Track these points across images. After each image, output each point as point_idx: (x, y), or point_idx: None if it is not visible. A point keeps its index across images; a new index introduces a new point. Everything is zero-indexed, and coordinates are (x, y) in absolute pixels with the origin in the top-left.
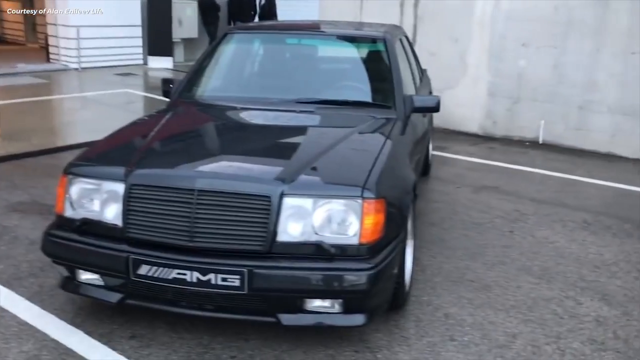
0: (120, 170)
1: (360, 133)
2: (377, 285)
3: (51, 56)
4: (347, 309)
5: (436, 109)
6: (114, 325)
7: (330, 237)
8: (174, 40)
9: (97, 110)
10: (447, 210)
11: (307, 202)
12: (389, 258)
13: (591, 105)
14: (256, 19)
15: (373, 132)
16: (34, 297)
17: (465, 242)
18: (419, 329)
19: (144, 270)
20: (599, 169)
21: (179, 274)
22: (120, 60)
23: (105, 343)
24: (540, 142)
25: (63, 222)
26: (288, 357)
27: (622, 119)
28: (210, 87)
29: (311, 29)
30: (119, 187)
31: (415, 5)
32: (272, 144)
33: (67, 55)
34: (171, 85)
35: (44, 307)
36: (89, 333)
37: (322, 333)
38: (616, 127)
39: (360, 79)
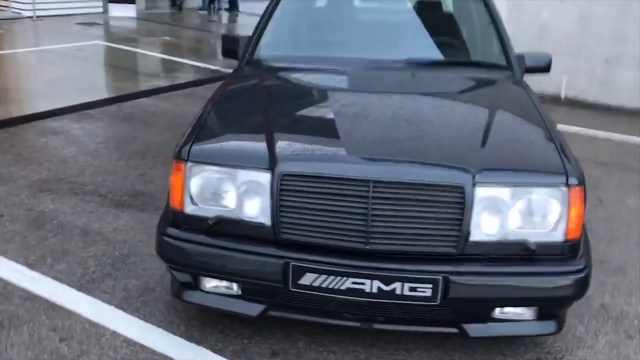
0: (261, 155)
1: (500, 100)
2: (586, 290)
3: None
4: (541, 316)
5: (547, 69)
6: (243, 340)
7: (530, 233)
8: None
9: (75, 67)
10: None
11: (503, 193)
12: (588, 255)
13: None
14: None
15: (513, 99)
16: (126, 306)
17: None
18: (586, 327)
19: (308, 279)
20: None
21: (354, 283)
22: (78, 8)
23: None
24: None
25: (183, 220)
26: None
27: None
28: (296, 46)
29: None
30: (263, 177)
31: None
32: (423, 118)
33: (19, 2)
34: (237, 44)
35: (144, 319)
36: (218, 351)
37: (488, 340)
38: None
39: (465, 36)
